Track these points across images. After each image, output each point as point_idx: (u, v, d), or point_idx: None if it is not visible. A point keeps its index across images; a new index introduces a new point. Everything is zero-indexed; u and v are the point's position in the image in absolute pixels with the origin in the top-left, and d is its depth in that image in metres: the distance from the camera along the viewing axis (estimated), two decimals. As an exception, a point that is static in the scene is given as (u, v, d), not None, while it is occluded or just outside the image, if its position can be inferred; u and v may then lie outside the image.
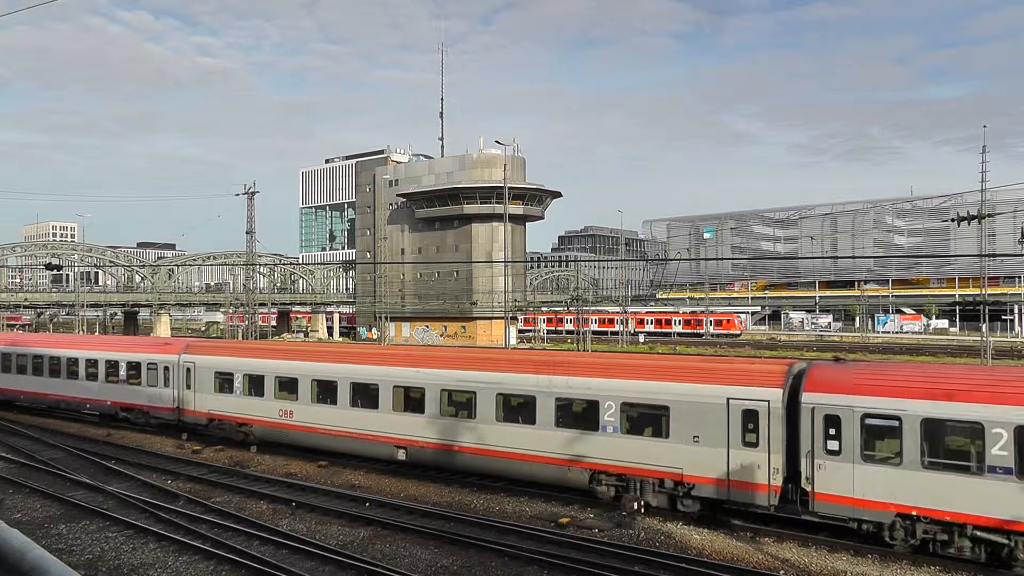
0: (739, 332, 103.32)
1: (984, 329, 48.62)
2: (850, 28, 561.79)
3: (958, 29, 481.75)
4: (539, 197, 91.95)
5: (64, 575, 3.04)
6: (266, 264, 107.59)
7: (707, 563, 15.07)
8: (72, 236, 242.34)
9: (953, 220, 36.35)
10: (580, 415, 19.75)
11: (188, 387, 29.23)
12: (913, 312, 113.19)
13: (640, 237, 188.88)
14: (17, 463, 25.18)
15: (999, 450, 14.43)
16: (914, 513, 15.33)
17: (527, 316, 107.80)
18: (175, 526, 17.86)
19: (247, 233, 73.57)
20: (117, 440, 29.72)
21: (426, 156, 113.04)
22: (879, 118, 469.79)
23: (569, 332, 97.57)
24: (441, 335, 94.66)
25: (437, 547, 16.54)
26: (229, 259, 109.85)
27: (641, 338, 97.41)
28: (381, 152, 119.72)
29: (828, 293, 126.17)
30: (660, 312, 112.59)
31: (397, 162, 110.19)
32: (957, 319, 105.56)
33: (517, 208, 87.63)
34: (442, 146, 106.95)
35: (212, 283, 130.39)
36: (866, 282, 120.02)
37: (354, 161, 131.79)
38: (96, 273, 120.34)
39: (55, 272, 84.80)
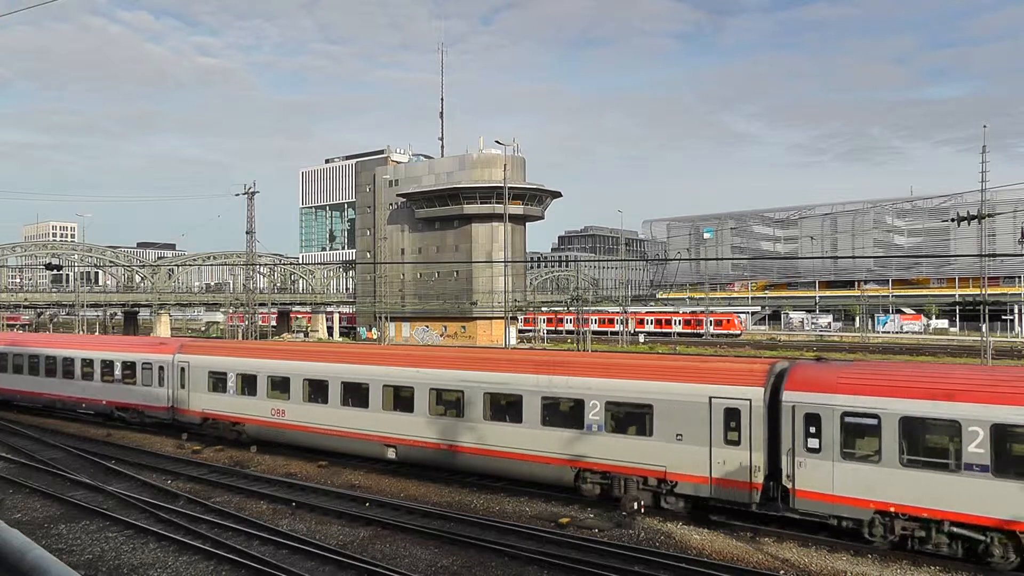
0: (739, 332, 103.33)
1: (984, 329, 48.62)
2: (850, 28, 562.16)
3: (958, 29, 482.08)
4: (539, 197, 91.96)
5: (64, 575, 3.04)
6: (266, 264, 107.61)
7: (707, 563, 15.07)
8: (72, 236, 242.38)
9: (953, 220, 36.35)
10: (566, 414, 19.98)
11: (183, 386, 29.43)
12: (913, 312, 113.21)
13: (640, 237, 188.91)
14: (17, 463, 25.18)
15: (975, 448, 14.64)
16: (892, 510, 15.55)
17: (527, 316, 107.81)
18: (175, 526, 17.86)
19: (247, 233, 73.59)
20: (117, 440, 29.73)
21: (426, 156, 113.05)
22: (879, 118, 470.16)
23: (569, 332, 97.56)
24: (441, 335, 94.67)
25: (437, 547, 16.54)
26: (229, 259, 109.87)
27: (641, 338, 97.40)
28: (381, 152, 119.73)
29: (828, 293, 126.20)
30: (660, 312, 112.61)
31: (397, 162, 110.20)
32: (957, 319, 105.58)
33: (517, 208, 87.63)
34: (442, 146, 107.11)
35: (212, 283, 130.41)
36: (866, 282, 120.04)
37: (354, 161, 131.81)
38: (96, 273, 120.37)
39: (55, 272, 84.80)
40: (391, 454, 23.25)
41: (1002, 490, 14.36)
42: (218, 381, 28.19)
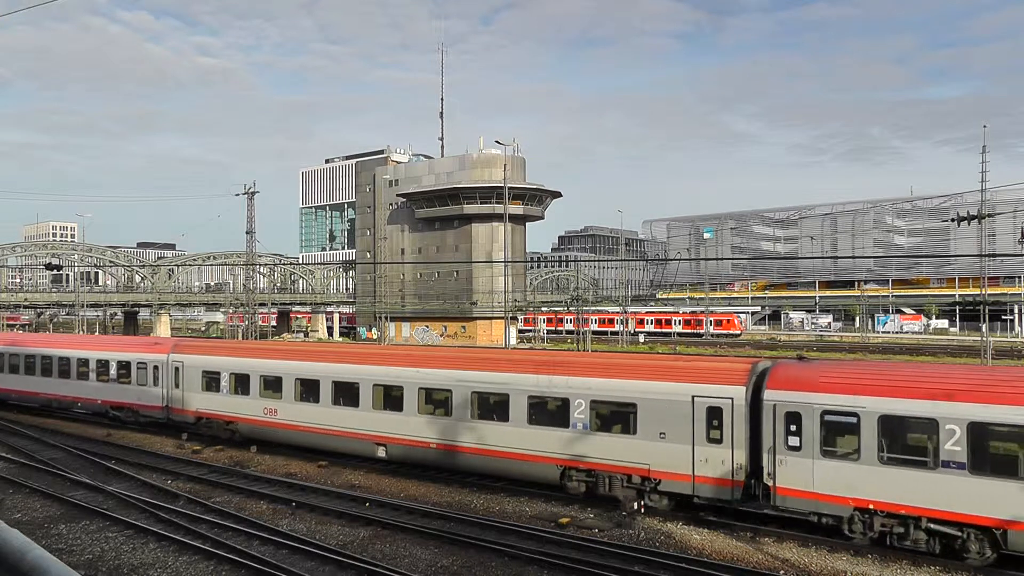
0: (739, 332, 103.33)
1: (984, 329, 48.62)
2: (850, 28, 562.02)
3: (958, 29, 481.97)
4: (539, 197, 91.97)
5: (64, 575, 3.04)
6: (266, 264, 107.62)
7: (707, 563, 15.08)
8: (72, 236, 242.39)
9: (953, 220, 36.35)
10: (552, 413, 20.19)
11: (177, 386, 29.65)
12: (913, 312, 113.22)
13: (640, 237, 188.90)
14: (17, 463, 25.18)
15: (952, 445, 14.86)
16: (871, 507, 15.74)
17: (527, 316, 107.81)
18: (175, 526, 17.86)
19: (247, 233, 73.59)
20: (117, 440, 29.74)
21: (426, 156, 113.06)
22: (879, 118, 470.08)
23: (569, 332, 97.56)
24: (441, 335, 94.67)
25: (437, 547, 16.54)
26: (229, 259, 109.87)
27: (641, 338, 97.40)
28: (381, 152, 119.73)
29: (828, 293, 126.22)
30: (660, 312, 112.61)
31: (397, 162, 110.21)
32: (957, 319, 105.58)
33: (517, 208, 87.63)
34: (442, 146, 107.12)
35: (212, 283, 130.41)
36: (866, 282, 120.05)
37: (354, 161, 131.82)
38: (96, 273, 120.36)
39: (55, 272, 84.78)
40: (381, 453, 23.47)
41: (978, 487, 14.61)
42: (212, 381, 28.39)
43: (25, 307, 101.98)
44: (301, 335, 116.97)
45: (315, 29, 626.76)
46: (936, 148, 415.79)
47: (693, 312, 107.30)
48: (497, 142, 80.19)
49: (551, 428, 20.04)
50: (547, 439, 20.06)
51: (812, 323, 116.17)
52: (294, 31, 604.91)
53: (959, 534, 14.95)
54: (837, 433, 16.33)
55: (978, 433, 14.72)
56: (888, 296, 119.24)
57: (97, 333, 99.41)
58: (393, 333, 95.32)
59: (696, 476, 17.87)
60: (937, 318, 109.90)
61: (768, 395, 17.03)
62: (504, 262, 71.75)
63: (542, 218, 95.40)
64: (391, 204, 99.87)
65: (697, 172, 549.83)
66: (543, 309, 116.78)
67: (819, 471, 16.28)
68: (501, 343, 78.56)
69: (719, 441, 17.60)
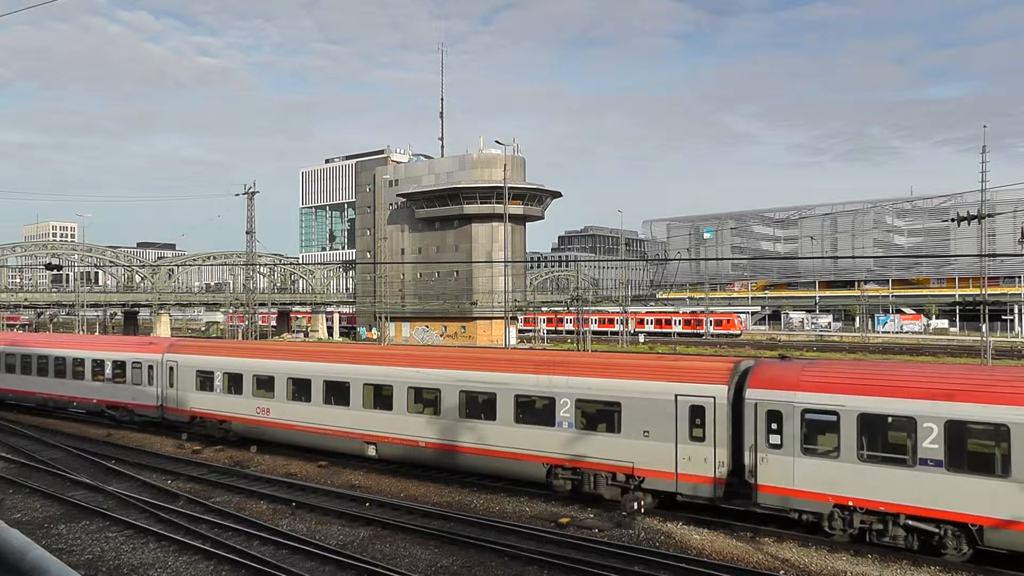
0: (739, 332, 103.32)
1: (984, 329, 48.62)
2: (850, 28, 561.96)
3: (958, 29, 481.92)
4: (539, 197, 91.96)
5: (64, 575, 3.04)
6: (266, 264, 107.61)
7: (707, 563, 15.07)
8: (72, 236, 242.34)
9: (953, 220, 36.35)
10: (538, 411, 20.43)
11: (171, 385, 29.88)
12: (913, 312, 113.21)
13: (640, 237, 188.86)
14: (17, 463, 25.19)
15: (930, 443, 15.10)
16: (851, 504, 15.96)
17: (527, 316, 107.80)
18: (175, 526, 17.86)
19: (247, 233, 73.59)
20: (117, 440, 29.75)
21: (426, 156, 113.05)
22: (879, 118, 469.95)
23: (569, 332, 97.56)
24: (441, 335, 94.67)
25: (437, 547, 16.54)
26: (229, 259, 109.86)
27: (641, 338, 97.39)
28: (381, 152, 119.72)
29: (828, 293, 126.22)
30: (660, 312, 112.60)
31: (397, 162, 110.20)
32: (957, 319, 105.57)
33: (517, 208, 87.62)
34: (442, 146, 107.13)
35: (212, 283, 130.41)
36: (866, 282, 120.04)
37: (354, 161, 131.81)
38: (96, 273, 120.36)
39: (55, 272, 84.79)
40: (371, 451, 23.68)
41: (955, 484, 14.83)
42: (205, 380, 28.63)
43: (25, 307, 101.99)
44: (301, 335, 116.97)
45: (315, 29, 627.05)
46: (936, 148, 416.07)
47: (693, 312, 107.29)
48: (497, 142, 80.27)
49: (537, 427, 20.30)
50: (533, 438, 20.31)
51: (812, 323, 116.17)
52: (294, 31, 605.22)
53: (936, 531, 15.19)
54: (817, 431, 16.58)
55: (955, 431, 14.98)
56: (888, 296, 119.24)
57: (97, 333, 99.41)
58: (393, 333, 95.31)
59: (679, 474, 18.12)
60: (937, 318, 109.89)
61: (750, 394, 17.27)
62: (504, 262, 71.75)
63: (542, 218, 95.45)
64: (391, 204, 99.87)
65: (697, 172, 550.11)
66: (543, 309, 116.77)
67: (800, 469, 16.52)
68: (501, 343, 78.55)
69: (702, 439, 17.84)
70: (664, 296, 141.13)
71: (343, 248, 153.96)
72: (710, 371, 18.50)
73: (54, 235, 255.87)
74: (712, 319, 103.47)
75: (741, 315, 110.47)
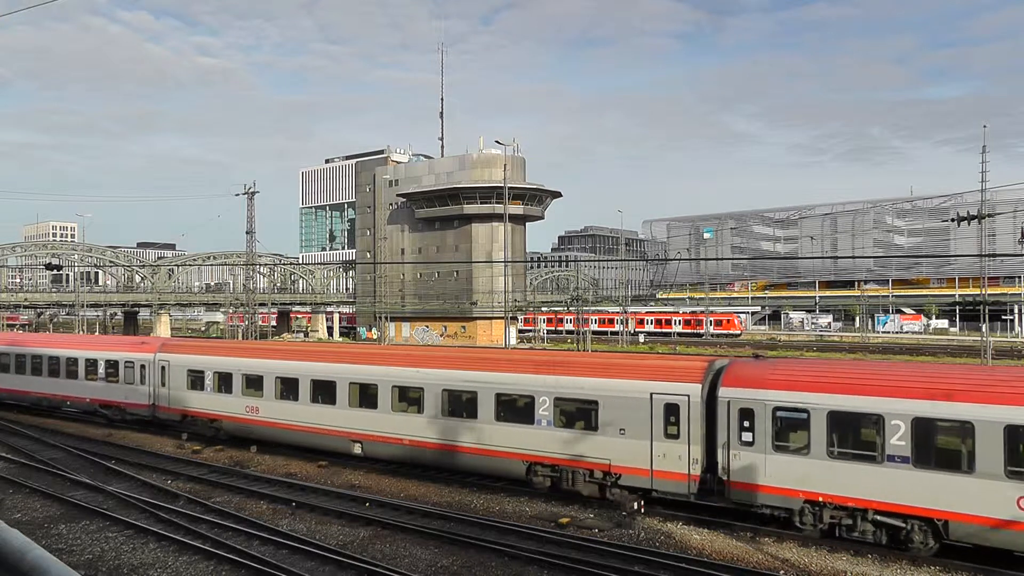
0: (739, 332, 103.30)
1: (984, 329, 48.59)
2: (850, 28, 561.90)
3: (958, 29, 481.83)
4: (539, 197, 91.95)
5: (64, 575, 3.03)
6: (266, 264, 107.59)
7: (707, 563, 15.07)
8: (72, 236, 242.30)
9: (953, 220, 36.34)
10: (517, 410, 20.79)
11: (163, 385, 30.20)
12: (913, 312, 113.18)
13: (640, 237, 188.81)
14: (17, 463, 25.18)
15: (897, 440, 15.47)
16: (821, 499, 16.30)
17: (527, 316, 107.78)
18: (175, 526, 17.86)
19: (247, 233, 73.57)
20: (117, 440, 29.75)
21: (426, 156, 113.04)
22: (879, 118, 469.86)
23: (569, 332, 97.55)
24: (441, 335, 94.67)
25: (437, 547, 16.54)
26: (229, 259, 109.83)
27: (641, 338, 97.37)
28: (381, 152, 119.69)
29: (828, 293, 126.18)
30: (660, 312, 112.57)
31: (397, 162, 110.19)
32: (957, 319, 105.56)
33: (517, 208, 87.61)
34: (442, 146, 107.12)
35: (212, 283, 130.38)
36: (866, 282, 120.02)
37: (354, 161, 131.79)
38: (96, 273, 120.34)
39: (55, 272, 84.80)
40: (357, 449, 23.98)
41: (921, 480, 15.20)
42: (196, 379, 28.95)
43: (25, 307, 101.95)
44: (301, 335, 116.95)
45: (315, 29, 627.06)
46: (936, 148, 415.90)
47: (693, 312, 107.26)
48: (497, 142, 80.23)
49: (517, 425, 20.65)
50: (514, 436, 20.64)
51: (812, 323, 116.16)
52: (294, 31, 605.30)
53: (903, 525, 15.52)
54: (788, 429, 16.91)
55: (922, 428, 15.33)
56: (888, 296, 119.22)
57: (97, 333, 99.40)
58: (393, 333, 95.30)
59: (654, 471, 18.47)
60: (937, 318, 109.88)
61: (723, 392, 17.61)
62: (504, 262, 71.74)
63: (542, 218, 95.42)
64: (391, 204, 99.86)
65: (697, 172, 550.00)
66: (543, 309, 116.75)
67: (771, 465, 16.86)
68: (501, 343, 78.55)
69: (676, 437, 18.19)
70: (664, 296, 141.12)
71: (343, 248, 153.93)
72: (685, 370, 18.86)
73: (54, 235, 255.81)
74: (712, 319, 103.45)
75: (741, 315, 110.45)
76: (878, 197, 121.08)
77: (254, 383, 26.83)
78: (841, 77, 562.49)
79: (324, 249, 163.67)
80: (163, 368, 30.21)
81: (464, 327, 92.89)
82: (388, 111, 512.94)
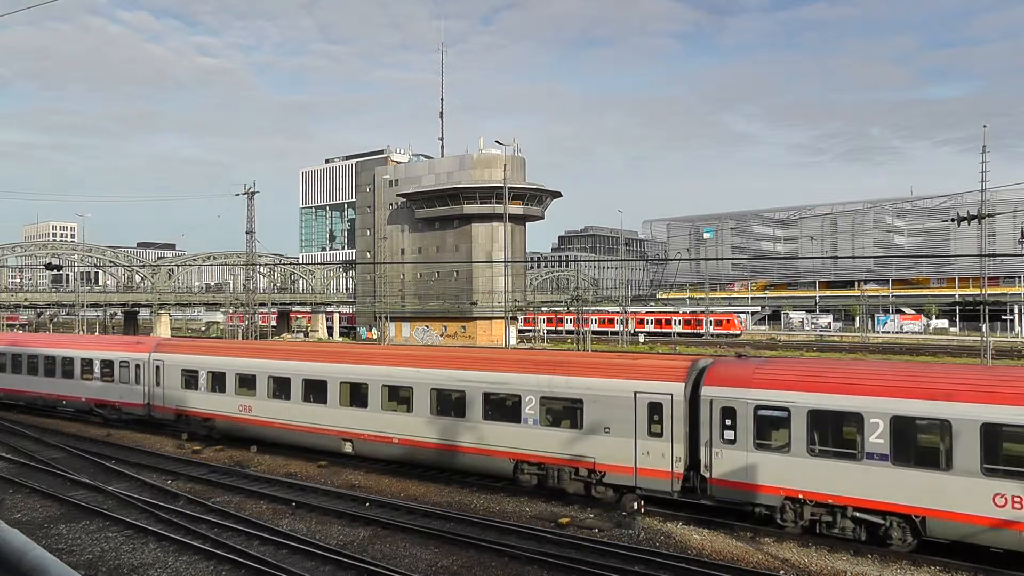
0: (739, 332, 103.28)
1: (984, 329, 48.60)
2: (850, 28, 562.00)
3: (958, 29, 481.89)
4: (539, 197, 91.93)
5: (64, 575, 3.03)
6: (266, 264, 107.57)
7: (707, 563, 15.07)
8: (72, 236, 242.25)
9: (953, 220, 36.34)
10: (505, 409, 21.00)
11: (158, 384, 30.39)
12: (913, 312, 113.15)
13: (640, 237, 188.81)
14: (17, 463, 25.18)
15: (876, 438, 15.70)
16: (801, 496, 16.53)
17: (527, 316, 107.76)
18: (175, 526, 17.86)
19: (247, 233, 73.58)
20: (117, 440, 29.75)
21: (426, 156, 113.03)
22: (879, 118, 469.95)
23: (569, 332, 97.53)
24: (441, 335, 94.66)
25: (437, 547, 16.54)
26: (229, 259, 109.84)
27: (641, 338, 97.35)
28: (381, 152, 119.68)
29: (828, 293, 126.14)
30: (660, 312, 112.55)
31: (397, 162, 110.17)
32: (957, 319, 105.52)
33: (517, 208, 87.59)
34: (442, 146, 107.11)
35: (212, 283, 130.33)
36: (866, 282, 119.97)
37: (354, 161, 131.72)
38: (96, 273, 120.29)
39: (55, 272, 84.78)
40: (348, 448, 24.19)
41: (900, 477, 15.43)
42: (190, 379, 29.17)
43: (25, 307, 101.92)
44: (301, 335, 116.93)
45: (315, 29, 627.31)
46: (936, 148, 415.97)
47: (693, 312, 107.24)
48: (497, 142, 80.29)
49: (504, 424, 20.86)
50: (501, 434, 20.84)
51: (812, 323, 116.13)
52: (294, 31, 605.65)
53: (882, 522, 15.73)
54: (769, 427, 17.10)
55: (900, 427, 15.55)
56: (888, 296, 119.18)
57: (97, 333, 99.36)
58: (393, 333, 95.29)
59: (638, 469, 18.67)
60: (937, 318, 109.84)
61: (705, 391, 17.80)
62: (504, 262, 71.75)
63: (542, 218, 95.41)
64: (391, 204, 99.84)
65: (697, 172, 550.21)
66: (543, 309, 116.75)
67: (752, 463, 17.09)
68: (501, 343, 78.55)
69: (660, 435, 18.38)
70: (664, 296, 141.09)
71: (343, 248, 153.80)
72: (668, 369, 19.10)
73: (54, 235, 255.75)
74: (712, 319, 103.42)
75: (741, 315, 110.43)
76: (878, 197, 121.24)
77: (247, 382, 27.06)
78: (841, 77, 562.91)
79: (324, 249, 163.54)
80: (158, 368, 30.41)
81: (464, 327, 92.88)
82: (388, 111, 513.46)
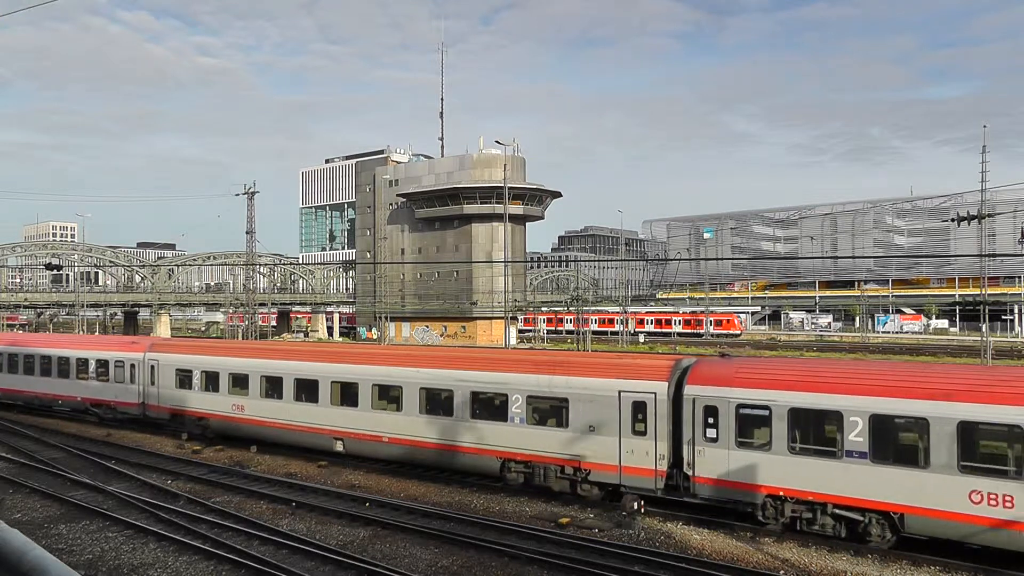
0: (739, 332, 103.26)
1: (984, 329, 48.59)
2: (850, 28, 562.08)
3: (958, 29, 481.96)
4: (539, 197, 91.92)
5: (64, 575, 3.03)
6: (266, 264, 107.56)
7: (707, 563, 15.07)
8: (72, 236, 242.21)
9: (953, 220, 36.33)
10: (492, 408, 21.21)
11: (152, 383, 30.56)
12: (913, 312, 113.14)
13: (640, 237, 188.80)
14: (17, 463, 25.18)
15: (855, 436, 15.89)
16: (782, 494, 16.74)
17: (527, 316, 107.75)
18: (175, 526, 17.86)
19: (247, 233, 73.57)
20: (117, 440, 29.75)
21: (426, 156, 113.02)
22: (879, 118, 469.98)
23: (569, 332, 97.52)
24: (441, 335, 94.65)
25: (437, 547, 16.54)
26: (229, 259, 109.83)
27: (641, 338, 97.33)
28: (381, 152, 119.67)
29: (828, 293, 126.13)
30: (660, 312, 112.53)
31: (397, 162, 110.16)
32: (957, 319, 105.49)
33: (517, 208, 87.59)
34: (442, 146, 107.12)
35: (212, 283, 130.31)
36: (866, 282, 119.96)
37: (354, 161, 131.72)
38: (96, 273, 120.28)
39: (55, 272, 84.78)
40: (339, 447, 24.39)
41: (879, 474, 15.60)
42: (184, 378, 29.32)
43: (25, 307, 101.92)
44: (301, 335, 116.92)
45: (315, 29, 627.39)
46: (936, 148, 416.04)
47: (693, 312, 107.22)
48: (497, 142, 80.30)
49: (492, 422, 21.06)
50: (488, 433, 21.02)
51: (812, 323, 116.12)
52: (294, 31, 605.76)
53: (861, 519, 15.92)
54: (751, 425, 17.29)
55: (879, 424, 15.73)
56: (888, 296, 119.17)
57: (97, 333, 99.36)
58: (393, 333, 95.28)
59: (623, 467, 18.86)
60: (937, 318, 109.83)
61: (688, 390, 18.01)
62: (504, 262, 71.75)
63: (542, 218, 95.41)
64: (391, 204, 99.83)
65: (697, 172, 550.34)
66: (543, 309, 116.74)
67: (734, 461, 17.28)
68: (501, 343, 78.55)
69: (643, 433, 18.58)
70: (664, 296, 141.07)
71: (343, 248, 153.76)
72: (652, 368, 19.29)
73: (54, 235, 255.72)
74: (712, 319, 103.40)
75: (741, 315, 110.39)
76: (878, 197, 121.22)
77: (240, 382, 27.25)
78: (841, 77, 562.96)
79: (324, 249, 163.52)
80: (152, 367, 30.57)
81: (464, 327, 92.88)
82: (388, 111, 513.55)
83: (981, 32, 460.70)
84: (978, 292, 63.63)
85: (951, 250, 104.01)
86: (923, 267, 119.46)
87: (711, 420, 17.57)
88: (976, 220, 34.49)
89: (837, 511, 16.15)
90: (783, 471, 16.63)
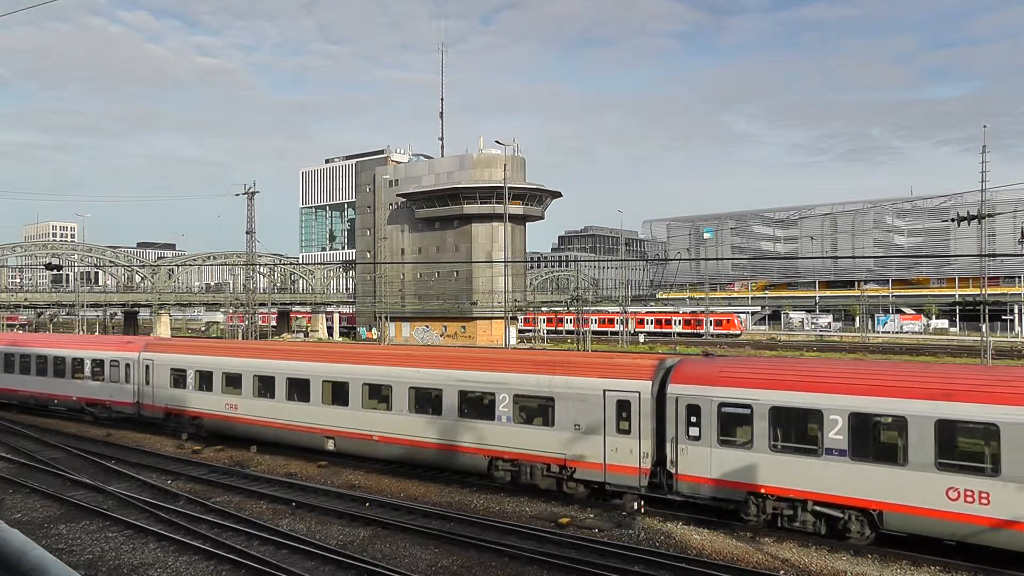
0: (739, 332, 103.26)
1: (984, 329, 48.58)
2: (850, 28, 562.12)
3: (958, 29, 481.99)
4: (539, 197, 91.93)
5: (64, 575, 3.03)
6: (266, 264, 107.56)
7: (707, 563, 15.07)
8: (72, 236, 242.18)
9: (953, 220, 36.32)
10: (479, 406, 21.42)
11: (147, 383, 30.75)
12: (913, 312, 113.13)
13: (640, 237, 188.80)
14: (17, 463, 25.18)
15: (835, 434, 16.11)
16: (763, 491, 16.97)
17: (527, 316, 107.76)
18: (175, 526, 17.86)
19: (247, 233, 73.56)
20: (117, 440, 29.75)
21: (426, 156, 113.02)
22: (879, 118, 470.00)
23: (569, 332, 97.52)
24: (441, 335, 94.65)
25: (437, 547, 16.54)
26: (229, 259, 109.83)
27: (641, 338, 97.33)
28: (381, 152, 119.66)
29: (828, 293, 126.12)
30: (660, 312, 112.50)
31: (397, 162, 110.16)
32: (957, 319, 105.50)
33: (517, 208, 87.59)
34: (442, 146, 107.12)
35: (212, 283, 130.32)
36: (866, 282, 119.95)
37: (354, 161, 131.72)
38: (96, 273, 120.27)
39: (55, 272, 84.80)
40: (330, 445, 24.62)
41: (858, 472, 15.81)
42: (179, 378, 29.54)
43: (25, 307, 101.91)
44: (301, 335, 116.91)
45: (315, 29, 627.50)
46: (936, 148, 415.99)
47: (693, 312, 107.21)
48: (497, 142, 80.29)
49: (479, 421, 21.26)
50: (476, 431, 21.22)
51: (812, 323, 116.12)
52: (294, 31, 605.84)
53: (841, 516, 16.14)
54: (733, 424, 17.52)
55: (858, 422, 15.97)
56: (888, 296, 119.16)
57: (97, 333, 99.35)
58: (393, 333, 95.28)
59: (607, 465, 19.08)
60: (937, 318, 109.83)
61: (672, 389, 18.25)
62: (504, 262, 71.75)
63: (542, 218, 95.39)
64: (391, 204, 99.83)
65: (697, 172, 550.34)
66: (543, 309, 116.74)
67: (716, 459, 17.50)
68: (501, 343, 78.55)
69: (628, 432, 18.79)
70: (664, 296, 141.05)
71: (343, 248, 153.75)
72: (637, 368, 19.52)
73: (54, 235, 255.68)
74: (712, 319, 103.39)
75: (741, 315, 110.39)
76: (878, 197, 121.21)
77: (233, 381, 27.46)
78: (841, 77, 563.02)
79: (324, 249, 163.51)
80: (147, 367, 30.74)
81: (464, 327, 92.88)
82: (388, 111, 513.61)
83: (981, 32, 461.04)
84: (978, 292, 63.64)
85: (951, 250, 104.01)
86: (923, 267, 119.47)
87: (694, 419, 17.76)
88: (976, 220, 34.49)
89: (817, 508, 16.34)
90: (764, 469, 16.84)
